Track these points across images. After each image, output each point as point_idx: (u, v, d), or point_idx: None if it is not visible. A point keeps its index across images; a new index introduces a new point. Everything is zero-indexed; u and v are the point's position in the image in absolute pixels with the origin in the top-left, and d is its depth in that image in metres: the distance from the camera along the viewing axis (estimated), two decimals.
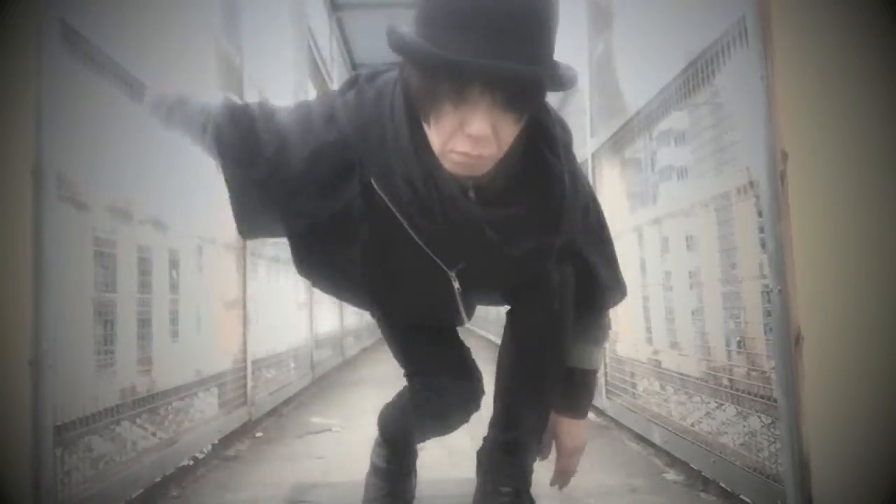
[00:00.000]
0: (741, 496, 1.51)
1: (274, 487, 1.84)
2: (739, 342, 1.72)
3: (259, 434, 2.61)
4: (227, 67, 2.51)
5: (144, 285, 1.86)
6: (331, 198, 1.13)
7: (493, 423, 1.31)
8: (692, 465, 1.79)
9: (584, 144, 2.81)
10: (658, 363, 2.23)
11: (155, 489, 1.69)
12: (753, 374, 1.59)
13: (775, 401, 1.34)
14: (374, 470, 1.55)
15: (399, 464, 1.53)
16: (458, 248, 1.15)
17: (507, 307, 1.29)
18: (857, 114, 1.14)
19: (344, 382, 4.37)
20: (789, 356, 1.24)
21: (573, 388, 1.34)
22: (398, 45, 0.95)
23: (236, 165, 1.17)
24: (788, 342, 1.24)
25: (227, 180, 1.19)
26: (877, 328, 1.10)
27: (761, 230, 1.46)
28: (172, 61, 1.81)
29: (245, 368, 2.56)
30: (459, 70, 0.91)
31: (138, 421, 1.72)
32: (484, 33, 0.90)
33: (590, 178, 2.78)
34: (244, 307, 2.60)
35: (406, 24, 0.99)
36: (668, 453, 1.97)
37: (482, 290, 1.27)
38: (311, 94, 4.35)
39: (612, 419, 2.56)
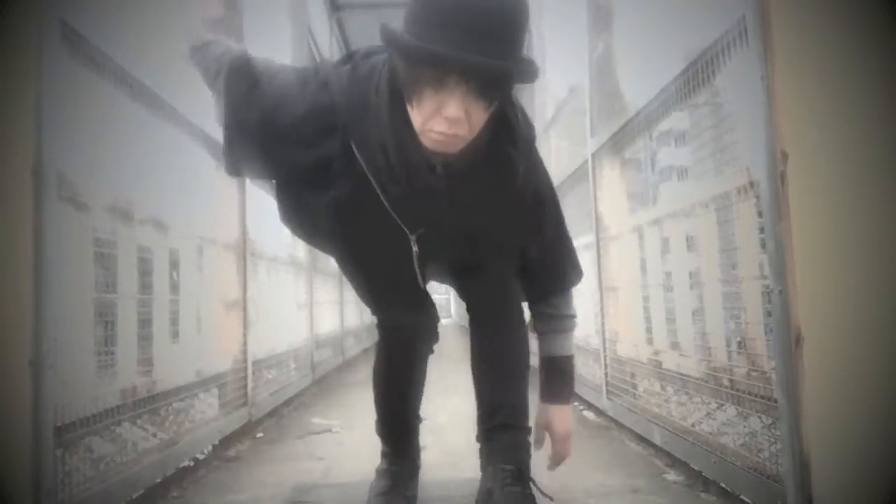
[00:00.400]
0: (741, 496, 1.51)
1: (274, 488, 1.84)
2: (740, 343, 1.72)
3: (260, 435, 2.61)
4: None
5: (145, 286, 1.86)
6: (311, 151, 1.27)
7: (479, 415, 1.46)
8: (693, 466, 1.79)
9: (584, 144, 2.81)
10: (658, 364, 2.22)
11: (155, 490, 1.69)
12: (754, 374, 1.58)
13: (776, 401, 1.34)
14: (378, 473, 1.60)
15: (401, 465, 1.59)
16: (418, 214, 1.32)
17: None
18: (857, 114, 1.14)
19: (344, 383, 4.37)
20: (789, 357, 1.24)
21: (552, 376, 1.53)
22: (389, 39, 1.12)
23: (236, 111, 1.30)
24: (789, 343, 1.24)
25: (225, 124, 1.32)
26: (877, 328, 1.10)
27: (761, 230, 1.46)
28: (172, 61, 1.81)
29: (245, 369, 2.56)
30: (440, 61, 1.07)
31: (139, 422, 1.72)
32: (462, 31, 1.05)
33: (590, 179, 2.79)
34: (244, 308, 2.60)
35: (398, 22, 1.14)
36: (668, 454, 1.96)
37: (437, 258, 1.44)
38: None
39: (613, 419, 2.56)
